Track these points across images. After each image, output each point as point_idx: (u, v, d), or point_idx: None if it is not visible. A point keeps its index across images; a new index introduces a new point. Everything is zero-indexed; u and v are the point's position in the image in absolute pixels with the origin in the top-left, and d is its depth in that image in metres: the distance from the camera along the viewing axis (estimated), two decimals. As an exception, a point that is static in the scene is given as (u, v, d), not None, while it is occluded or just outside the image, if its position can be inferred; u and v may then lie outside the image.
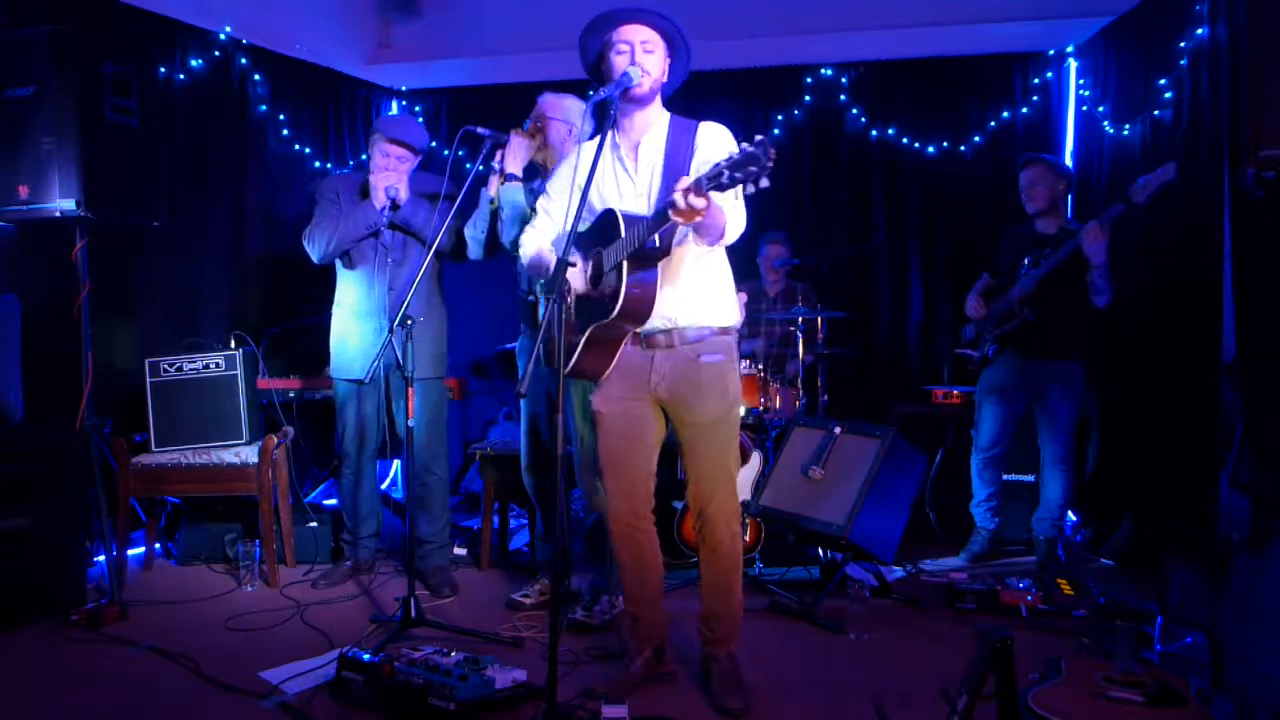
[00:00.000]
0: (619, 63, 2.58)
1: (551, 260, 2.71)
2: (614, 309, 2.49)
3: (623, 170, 2.68)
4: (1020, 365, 4.05)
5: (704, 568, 2.77)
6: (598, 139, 2.68)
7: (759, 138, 2.10)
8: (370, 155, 3.74)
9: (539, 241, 2.82)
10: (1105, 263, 3.75)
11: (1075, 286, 3.85)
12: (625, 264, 2.47)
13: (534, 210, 3.27)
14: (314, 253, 3.71)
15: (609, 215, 2.57)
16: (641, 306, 2.51)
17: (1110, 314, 4.32)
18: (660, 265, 2.53)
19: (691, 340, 2.64)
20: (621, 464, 2.72)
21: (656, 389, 2.67)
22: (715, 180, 2.15)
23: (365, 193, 3.68)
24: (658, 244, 2.45)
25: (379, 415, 3.82)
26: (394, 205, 3.59)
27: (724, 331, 2.69)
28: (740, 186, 2.12)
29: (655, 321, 2.60)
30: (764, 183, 2.12)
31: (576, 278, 2.64)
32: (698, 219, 2.27)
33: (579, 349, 2.63)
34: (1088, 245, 3.75)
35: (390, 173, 3.63)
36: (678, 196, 2.22)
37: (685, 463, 2.75)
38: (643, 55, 2.58)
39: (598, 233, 2.62)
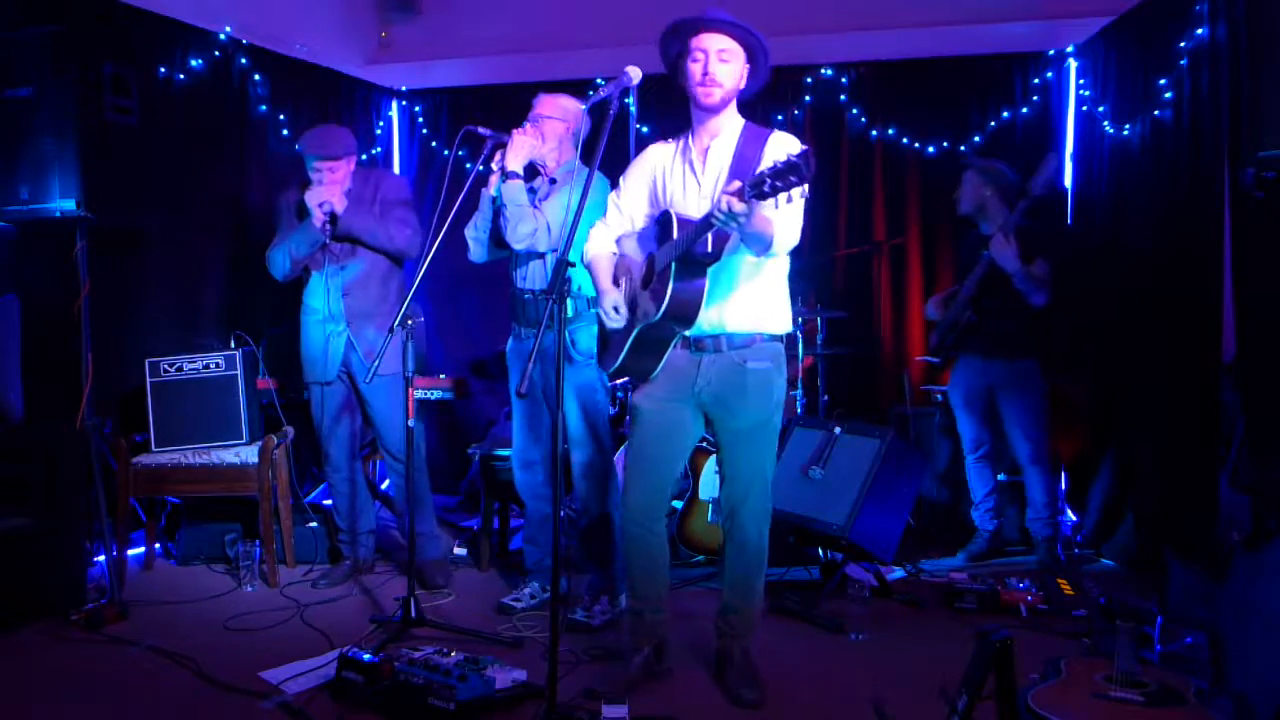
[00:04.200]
0: (693, 70, 2.60)
1: (605, 265, 2.77)
2: (659, 310, 2.51)
3: (690, 173, 2.70)
4: (977, 367, 4.12)
5: (729, 564, 2.80)
6: (678, 141, 2.73)
7: (804, 147, 2.15)
8: (308, 174, 3.74)
9: (604, 240, 2.84)
10: (1019, 270, 3.86)
11: (1015, 290, 3.92)
12: (673, 267, 2.48)
13: (537, 207, 3.29)
14: (275, 273, 3.77)
15: (665, 217, 2.59)
16: (687, 310, 2.53)
17: (1110, 314, 4.32)
18: (711, 270, 2.54)
19: (739, 346, 2.66)
20: (651, 462, 2.75)
21: (701, 393, 2.69)
22: (757, 187, 2.18)
23: (302, 211, 3.70)
24: (709, 249, 2.46)
25: (353, 415, 3.85)
26: (332, 219, 3.61)
27: (774, 339, 2.71)
28: (784, 195, 2.16)
29: (704, 326, 2.61)
30: (803, 192, 2.18)
31: (630, 281, 2.68)
32: (737, 225, 2.30)
33: (626, 348, 2.67)
34: (997, 256, 3.89)
35: (320, 188, 3.64)
36: (721, 200, 2.27)
37: (724, 461, 2.78)
38: (717, 64, 2.58)
39: (654, 234, 2.66)
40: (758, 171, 2.19)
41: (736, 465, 2.73)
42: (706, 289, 2.54)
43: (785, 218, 2.45)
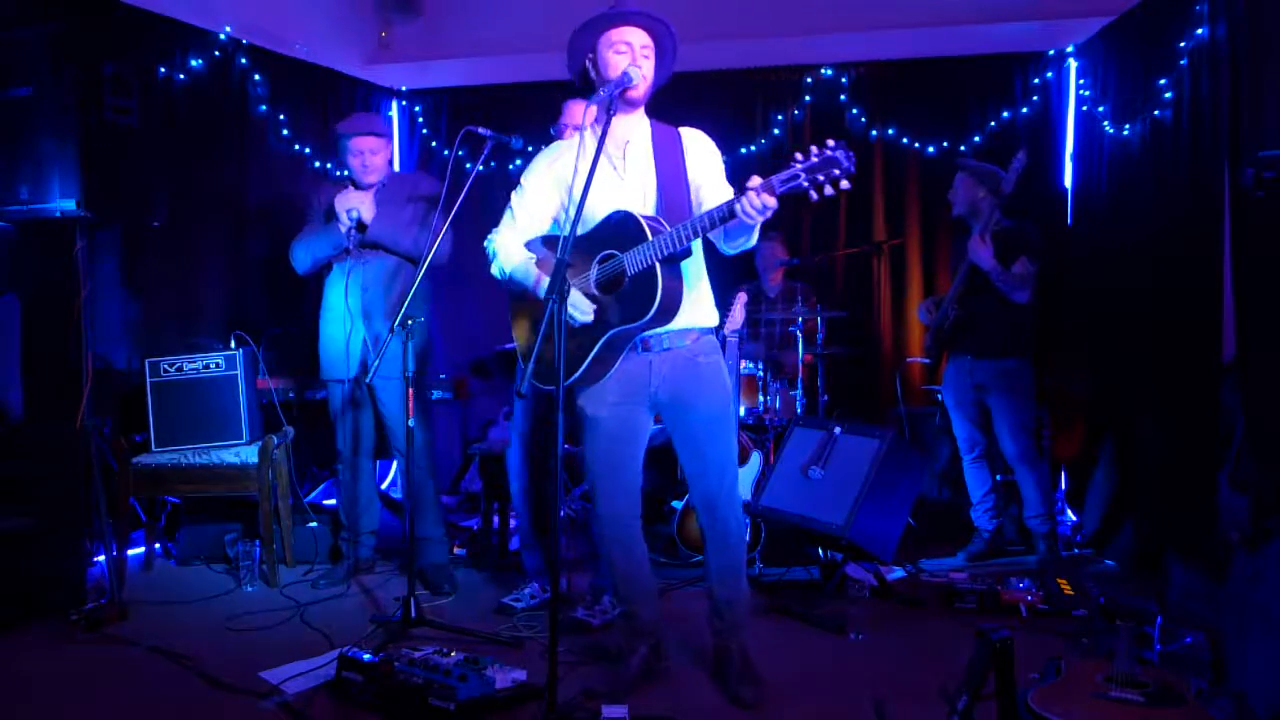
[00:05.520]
0: (618, 62, 2.58)
1: (532, 269, 2.71)
2: (650, 310, 2.48)
3: (612, 171, 2.67)
4: (966, 367, 4.15)
5: (713, 559, 2.80)
6: (576, 138, 2.63)
7: (831, 141, 2.21)
8: (344, 159, 3.75)
9: (516, 245, 2.78)
10: (995, 268, 3.93)
11: (999, 290, 3.97)
12: (659, 266, 2.47)
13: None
14: (297, 267, 3.82)
15: (626, 218, 2.55)
16: (675, 305, 2.54)
17: (1111, 313, 4.32)
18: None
19: (687, 343, 2.67)
20: (617, 467, 2.74)
21: (657, 393, 2.68)
22: (791, 181, 2.22)
23: (331, 214, 3.70)
24: (686, 246, 2.48)
25: (370, 414, 3.84)
26: (360, 226, 3.63)
27: (709, 332, 2.75)
28: (815, 189, 2.21)
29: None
30: (845, 185, 2.21)
31: (581, 283, 2.63)
32: (760, 218, 2.32)
33: (592, 356, 2.62)
34: (973, 255, 3.97)
35: (350, 195, 3.66)
36: (751, 195, 2.28)
37: (689, 460, 2.77)
38: (641, 59, 2.59)
39: (606, 236, 2.60)
40: (792, 166, 2.24)
41: (706, 458, 2.73)
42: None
43: None
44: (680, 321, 2.63)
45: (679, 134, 2.70)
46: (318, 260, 3.75)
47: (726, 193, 2.58)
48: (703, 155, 2.70)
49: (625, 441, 2.73)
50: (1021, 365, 4.06)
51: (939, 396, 4.91)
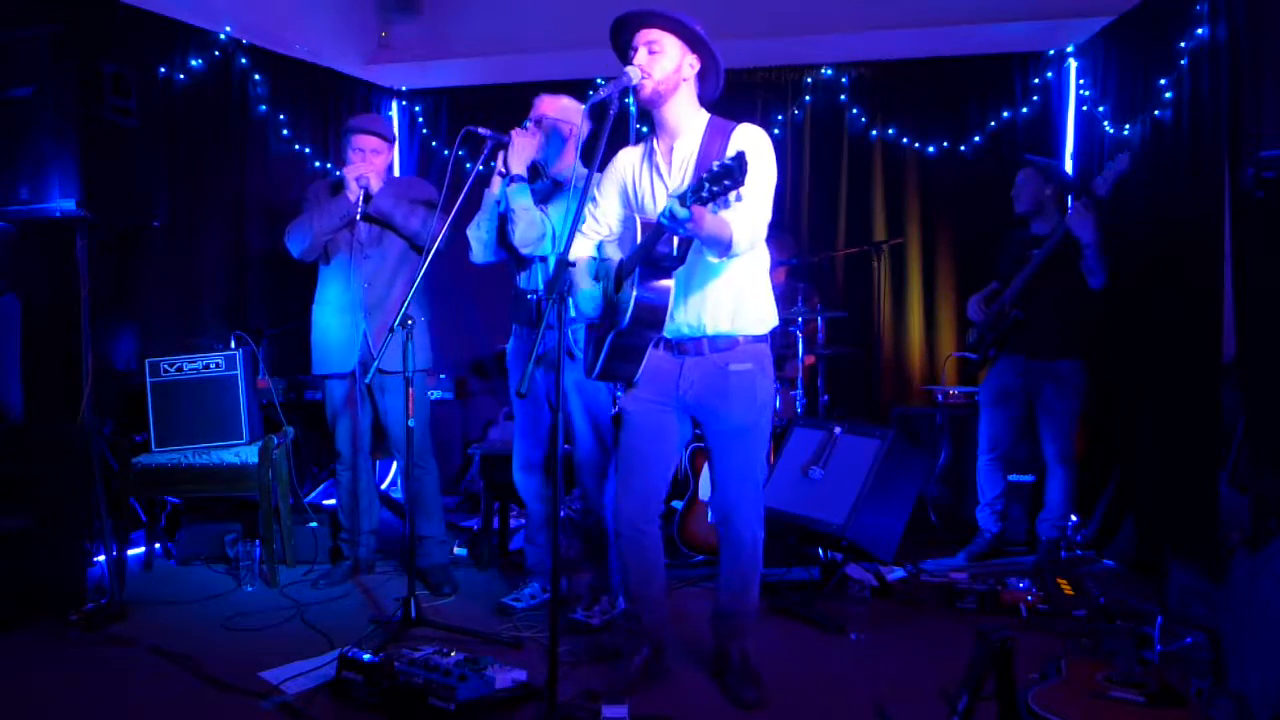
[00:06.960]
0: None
1: (582, 267, 2.74)
2: (627, 316, 2.50)
3: (657, 174, 2.68)
4: (1019, 366, 4.06)
5: (724, 567, 2.80)
6: (645, 144, 2.70)
7: (738, 151, 2.12)
8: (345, 154, 3.78)
9: (583, 248, 2.81)
10: (1095, 241, 3.77)
11: (1066, 285, 3.89)
12: (637, 271, 2.47)
13: (543, 210, 3.28)
14: (293, 248, 3.77)
15: (630, 223, 2.60)
16: (654, 314, 2.51)
17: (1110, 313, 4.32)
18: (682, 272, 2.53)
19: (721, 349, 2.64)
20: (641, 465, 2.74)
21: (685, 395, 2.68)
22: (696, 193, 2.16)
23: (338, 188, 3.74)
24: (674, 252, 2.45)
25: (367, 412, 3.84)
26: (366, 196, 3.63)
27: (756, 340, 2.68)
28: (720, 199, 2.14)
29: (683, 329, 2.61)
30: (737, 198, 2.15)
31: (606, 285, 2.67)
32: (685, 230, 2.28)
33: (604, 354, 2.65)
34: (1076, 227, 3.78)
35: (359, 164, 3.67)
36: (666, 204, 2.24)
37: (712, 466, 2.78)
38: (647, 56, 2.58)
39: (629, 239, 2.65)
40: (699, 176, 2.17)
41: (727, 468, 2.72)
42: (673, 292, 2.53)
43: (742, 217, 2.41)
44: (714, 326, 2.62)
45: (732, 130, 2.60)
46: (318, 238, 3.71)
47: (750, 200, 2.43)
48: (723, 161, 2.65)
49: (649, 439, 2.72)
50: (1076, 366, 3.98)
51: (939, 397, 4.92)
